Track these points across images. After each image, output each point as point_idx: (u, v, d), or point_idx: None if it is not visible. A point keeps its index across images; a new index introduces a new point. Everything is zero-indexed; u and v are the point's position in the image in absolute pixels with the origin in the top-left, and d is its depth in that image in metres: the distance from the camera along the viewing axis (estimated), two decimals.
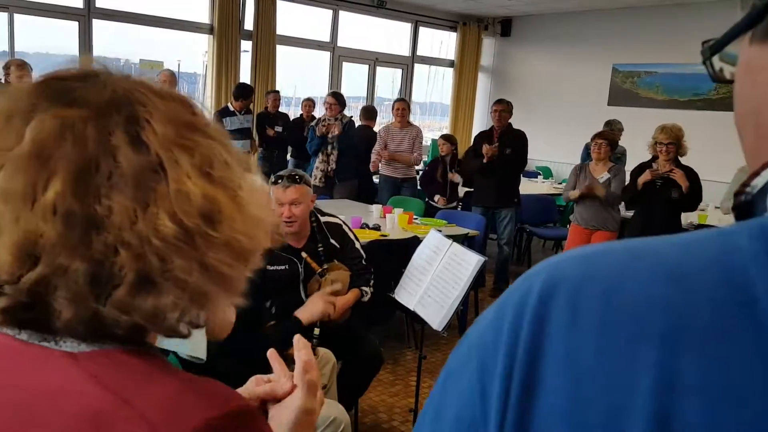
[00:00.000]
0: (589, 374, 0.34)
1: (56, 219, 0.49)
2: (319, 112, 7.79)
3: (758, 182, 0.39)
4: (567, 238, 5.15)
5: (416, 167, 6.27)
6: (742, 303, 0.32)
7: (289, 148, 7.25)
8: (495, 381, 0.37)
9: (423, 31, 10.07)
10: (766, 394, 0.30)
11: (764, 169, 0.39)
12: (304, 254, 2.61)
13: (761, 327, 0.31)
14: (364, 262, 2.83)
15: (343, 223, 2.88)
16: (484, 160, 5.12)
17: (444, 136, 5.95)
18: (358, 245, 2.85)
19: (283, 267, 2.59)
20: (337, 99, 5.93)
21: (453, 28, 10.21)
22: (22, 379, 0.51)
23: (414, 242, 3.41)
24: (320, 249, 2.66)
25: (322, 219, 2.78)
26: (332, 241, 2.74)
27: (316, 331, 2.33)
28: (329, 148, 5.88)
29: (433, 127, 11.72)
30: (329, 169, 5.88)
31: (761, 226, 0.34)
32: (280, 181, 2.57)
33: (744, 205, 0.39)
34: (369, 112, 6.80)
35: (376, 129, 6.66)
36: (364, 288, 2.73)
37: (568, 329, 0.36)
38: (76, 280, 0.49)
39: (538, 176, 8.38)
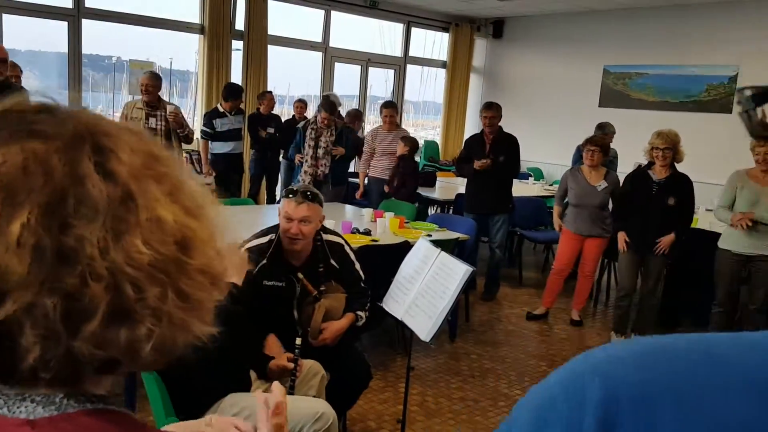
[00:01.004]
0: None
1: (24, 252, 0.47)
2: (311, 112, 7.77)
3: None
4: (559, 243, 5.15)
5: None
6: None
7: (281, 150, 7.24)
8: None
9: (415, 31, 10.05)
10: None
11: None
12: (300, 275, 2.58)
13: None
14: (362, 285, 2.80)
15: (346, 243, 2.84)
16: (476, 167, 5.11)
17: (403, 138, 5.98)
18: (357, 266, 2.81)
19: (281, 283, 2.57)
20: (330, 111, 5.86)
21: (445, 29, 10.20)
22: None
23: (404, 247, 3.40)
24: (321, 269, 2.63)
25: (325, 237, 2.72)
26: (332, 261, 2.70)
27: (298, 341, 2.32)
28: (320, 152, 5.85)
29: (426, 126, 11.72)
30: (318, 173, 5.85)
31: None
32: (292, 195, 2.50)
33: None
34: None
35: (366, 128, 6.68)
36: (359, 312, 2.71)
37: None
38: (47, 315, 0.47)
39: (529, 178, 8.39)
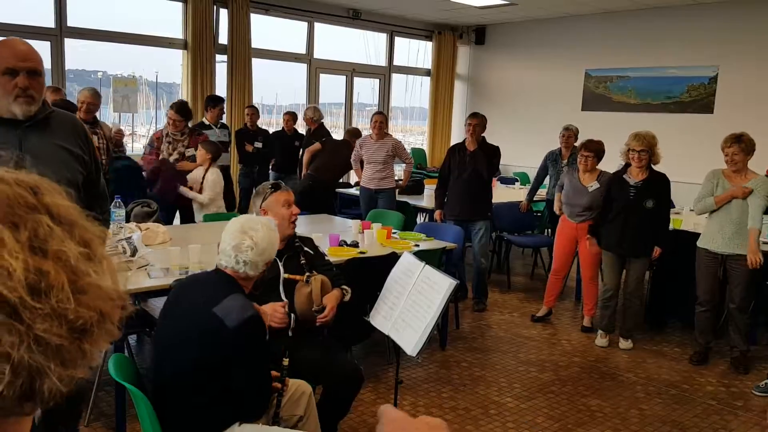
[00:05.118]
0: None
1: None
2: (300, 125, 7.79)
3: None
4: (554, 243, 5.23)
5: (393, 177, 6.26)
6: None
7: (271, 162, 7.30)
8: None
9: (399, 40, 10.12)
10: None
11: None
12: (285, 275, 2.78)
13: None
14: (335, 269, 3.06)
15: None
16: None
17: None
18: (327, 258, 3.15)
19: None
20: (181, 114, 5.27)
21: (428, 38, 10.27)
22: None
23: (392, 258, 3.41)
24: (303, 262, 2.84)
25: (298, 235, 3.04)
26: (306, 248, 2.98)
27: (285, 361, 2.34)
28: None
29: (414, 132, 11.78)
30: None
31: None
32: (279, 188, 2.93)
33: None
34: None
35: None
36: (344, 287, 2.91)
37: None
38: None
39: (516, 183, 8.44)
